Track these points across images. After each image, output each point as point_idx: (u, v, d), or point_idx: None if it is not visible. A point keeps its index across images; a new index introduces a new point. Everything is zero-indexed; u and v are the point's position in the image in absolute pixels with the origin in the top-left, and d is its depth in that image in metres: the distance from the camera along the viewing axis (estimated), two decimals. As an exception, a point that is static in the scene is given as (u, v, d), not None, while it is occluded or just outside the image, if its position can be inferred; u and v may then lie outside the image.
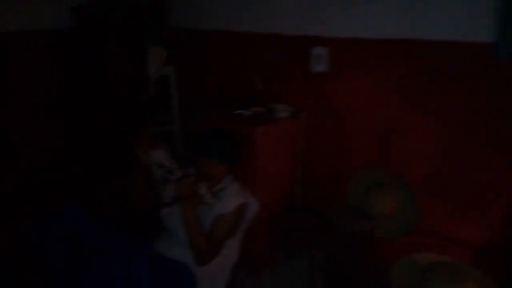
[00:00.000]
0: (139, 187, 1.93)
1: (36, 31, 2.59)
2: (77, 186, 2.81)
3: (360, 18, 2.13)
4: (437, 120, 2.05)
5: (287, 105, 2.47)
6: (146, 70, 2.53)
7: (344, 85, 2.31)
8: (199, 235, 1.81)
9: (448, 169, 2.08)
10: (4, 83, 2.59)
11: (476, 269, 1.71)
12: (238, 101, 2.58)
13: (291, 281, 2.47)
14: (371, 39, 2.12)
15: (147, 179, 1.92)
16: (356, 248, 2.19)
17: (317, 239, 2.49)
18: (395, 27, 2.03)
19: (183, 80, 3.10)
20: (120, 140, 2.69)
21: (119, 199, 2.44)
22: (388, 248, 2.31)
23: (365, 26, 2.12)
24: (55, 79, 2.81)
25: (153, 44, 2.69)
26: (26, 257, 2.03)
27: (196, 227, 1.81)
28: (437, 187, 2.15)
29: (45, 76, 2.76)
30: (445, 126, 2.03)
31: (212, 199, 1.89)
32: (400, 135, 2.20)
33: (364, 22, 2.12)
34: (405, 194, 2.14)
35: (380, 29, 2.07)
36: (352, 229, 2.16)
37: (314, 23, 2.30)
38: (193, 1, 2.89)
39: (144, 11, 2.59)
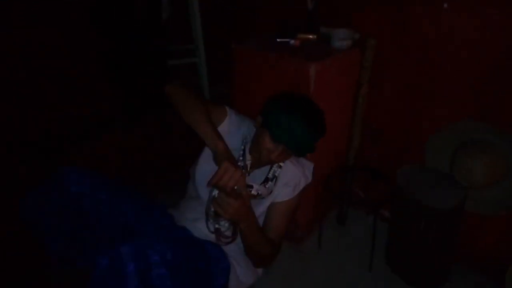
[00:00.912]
0: None
1: None
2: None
3: None
4: None
5: (348, 31, 1.80)
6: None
7: (439, 6, 1.60)
8: (264, 244, 1.41)
9: None
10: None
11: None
12: (281, 25, 1.92)
13: (341, 253, 1.99)
14: None
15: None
16: (437, 226, 1.65)
17: (379, 205, 1.96)
18: None
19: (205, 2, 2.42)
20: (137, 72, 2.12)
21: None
22: (483, 228, 1.76)
23: None
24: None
25: None
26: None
27: (260, 239, 1.39)
28: None
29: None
30: None
31: (264, 191, 1.45)
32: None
33: None
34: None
35: None
36: (433, 202, 1.61)
37: None
38: None
39: None
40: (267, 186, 1.47)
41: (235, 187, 1.19)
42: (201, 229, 1.42)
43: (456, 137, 1.69)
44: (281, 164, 1.48)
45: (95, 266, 1.11)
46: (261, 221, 1.49)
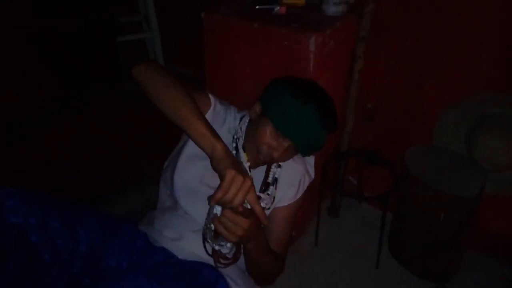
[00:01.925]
0: None
1: None
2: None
3: None
4: None
5: (343, -7, 1.50)
6: None
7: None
8: (272, 263, 1.16)
9: None
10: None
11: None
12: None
13: (340, 248, 1.77)
14: None
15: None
16: (458, 215, 1.46)
17: (386, 194, 1.76)
18: None
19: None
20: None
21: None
22: (495, 210, 1.61)
23: None
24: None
25: None
26: None
27: (268, 258, 1.13)
28: None
29: None
30: None
31: (268, 200, 1.17)
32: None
33: None
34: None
35: None
36: (453, 188, 1.41)
37: None
38: None
39: None
40: (269, 193, 1.17)
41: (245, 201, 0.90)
42: (186, 249, 1.13)
43: (471, 112, 1.48)
44: (281, 163, 1.19)
45: None
46: None
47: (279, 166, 1.19)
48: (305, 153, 1.13)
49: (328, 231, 1.84)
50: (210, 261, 1.11)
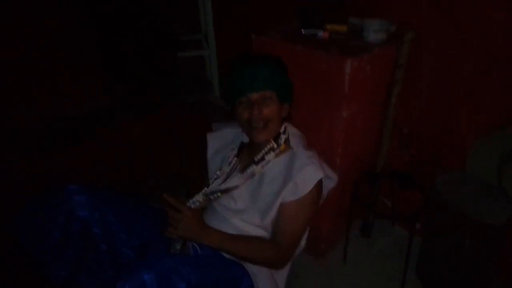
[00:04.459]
0: None
1: None
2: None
3: None
4: None
5: (382, 21, 1.60)
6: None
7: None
8: (257, 248, 1.26)
9: None
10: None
11: None
12: (304, 14, 1.71)
13: (368, 267, 1.81)
14: None
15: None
16: (484, 241, 1.47)
17: (414, 216, 1.79)
18: None
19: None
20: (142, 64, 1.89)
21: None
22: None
23: None
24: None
25: None
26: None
27: (247, 245, 1.25)
28: None
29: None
30: None
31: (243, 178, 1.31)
32: None
33: None
34: None
35: None
36: (481, 215, 1.43)
37: None
38: None
39: None
40: (248, 171, 1.29)
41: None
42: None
43: (504, 143, 1.50)
44: (274, 145, 1.27)
45: None
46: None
47: (273, 149, 1.28)
48: (279, 95, 1.26)
49: (358, 250, 1.89)
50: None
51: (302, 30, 1.65)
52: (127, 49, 1.79)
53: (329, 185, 1.39)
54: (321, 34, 1.60)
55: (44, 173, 1.50)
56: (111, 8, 1.76)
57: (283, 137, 1.30)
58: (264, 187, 1.27)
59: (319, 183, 1.26)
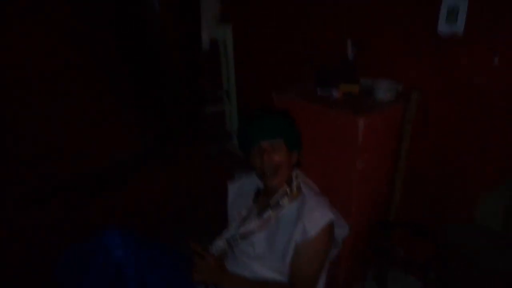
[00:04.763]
0: None
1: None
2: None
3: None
4: None
5: (391, 82, 1.76)
6: (199, 29, 1.85)
7: (490, 57, 1.56)
8: None
9: None
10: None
11: None
12: (320, 75, 1.89)
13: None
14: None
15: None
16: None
17: (425, 265, 1.84)
18: None
19: (239, 45, 2.40)
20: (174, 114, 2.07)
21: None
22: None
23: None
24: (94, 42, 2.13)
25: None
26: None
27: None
28: None
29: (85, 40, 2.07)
30: None
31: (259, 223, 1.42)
32: None
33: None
34: None
35: None
36: (496, 265, 1.49)
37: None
38: None
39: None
40: (264, 216, 1.41)
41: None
42: None
43: (510, 196, 1.59)
44: (287, 190, 1.41)
45: None
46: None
47: (286, 194, 1.41)
48: (288, 143, 1.42)
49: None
50: None
51: (318, 89, 1.81)
52: (162, 101, 1.95)
53: (342, 233, 1.49)
54: (335, 93, 1.77)
55: (82, 219, 1.62)
56: (152, 59, 1.94)
57: (295, 182, 1.43)
58: (280, 232, 1.38)
59: (329, 226, 1.34)
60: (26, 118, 1.97)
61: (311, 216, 1.32)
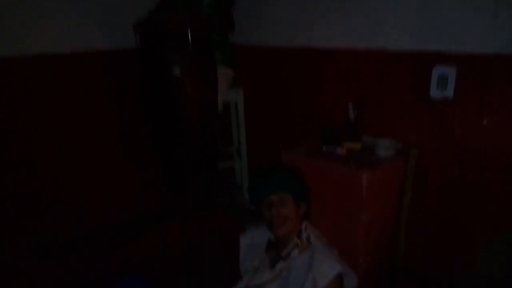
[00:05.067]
0: None
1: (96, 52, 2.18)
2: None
3: (510, 28, 1.57)
4: None
5: (391, 140, 1.92)
6: (217, 94, 2.05)
7: (479, 118, 1.73)
8: None
9: None
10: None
11: None
12: (325, 133, 2.06)
13: None
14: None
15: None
16: None
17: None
18: None
19: (249, 106, 2.61)
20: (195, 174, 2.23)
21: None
22: None
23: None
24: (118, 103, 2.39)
25: (219, 63, 2.24)
26: None
27: None
28: None
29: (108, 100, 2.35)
30: None
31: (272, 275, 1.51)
32: None
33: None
34: None
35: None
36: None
37: (435, 35, 1.76)
38: (258, 14, 2.42)
39: (213, 27, 2.13)
40: (276, 268, 1.50)
41: None
42: None
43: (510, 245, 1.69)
44: (298, 242, 1.52)
45: None
46: None
47: (297, 245, 1.52)
48: (295, 196, 1.56)
49: None
50: None
51: (323, 147, 1.97)
52: (180, 158, 2.11)
53: (351, 283, 1.57)
54: (339, 150, 1.92)
55: (103, 270, 1.71)
56: (174, 119, 2.11)
57: (304, 234, 1.55)
58: (291, 283, 1.46)
59: (338, 277, 1.43)
60: (49, 169, 2.14)
61: (320, 268, 1.41)
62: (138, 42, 1.95)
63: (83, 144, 2.25)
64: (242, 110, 2.54)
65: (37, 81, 2.05)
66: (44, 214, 2.10)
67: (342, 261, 1.52)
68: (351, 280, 1.58)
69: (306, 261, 1.48)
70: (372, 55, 1.97)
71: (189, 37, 1.83)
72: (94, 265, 1.82)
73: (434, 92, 1.78)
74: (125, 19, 2.14)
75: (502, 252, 1.71)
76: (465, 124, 1.76)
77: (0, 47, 1.89)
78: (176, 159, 2.09)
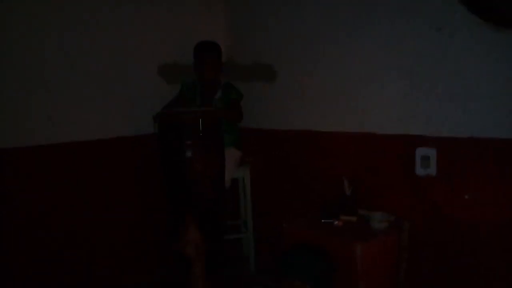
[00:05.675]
0: None
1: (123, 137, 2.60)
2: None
3: (479, 115, 1.82)
4: None
5: (384, 214, 2.10)
6: (224, 171, 2.30)
7: (460, 193, 1.92)
8: None
9: None
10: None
11: None
12: (324, 207, 2.25)
13: None
14: (493, 139, 1.79)
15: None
16: None
17: None
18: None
19: (256, 182, 2.86)
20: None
21: None
22: None
23: (483, 124, 1.81)
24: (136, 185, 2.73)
25: (228, 145, 2.52)
26: None
27: None
28: None
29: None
30: None
31: None
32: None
33: (484, 120, 1.81)
34: None
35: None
36: None
37: (417, 120, 2.02)
38: (264, 101, 2.79)
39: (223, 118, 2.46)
40: None
41: None
42: None
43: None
44: None
45: None
46: None
47: None
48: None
49: None
50: None
51: (322, 220, 2.15)
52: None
53: None
54: (337, 223, 2.10)
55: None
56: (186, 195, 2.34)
57: None
58: None
59: None
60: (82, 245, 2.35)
61: None
62: (156, 129, 2.28)
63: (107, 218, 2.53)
64: (249, 185, 2.77)
65: (71, 164, 2.47)
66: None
67: None
68: None
69: None
70: (363, 138, 2.24)
71: (200, 127, 2.14)
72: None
73: (419, 170, 2.01)
74: (144, 108, 2.60)
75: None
76: (448, 199, 1.95)
77: (44, 135, 2.34)
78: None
